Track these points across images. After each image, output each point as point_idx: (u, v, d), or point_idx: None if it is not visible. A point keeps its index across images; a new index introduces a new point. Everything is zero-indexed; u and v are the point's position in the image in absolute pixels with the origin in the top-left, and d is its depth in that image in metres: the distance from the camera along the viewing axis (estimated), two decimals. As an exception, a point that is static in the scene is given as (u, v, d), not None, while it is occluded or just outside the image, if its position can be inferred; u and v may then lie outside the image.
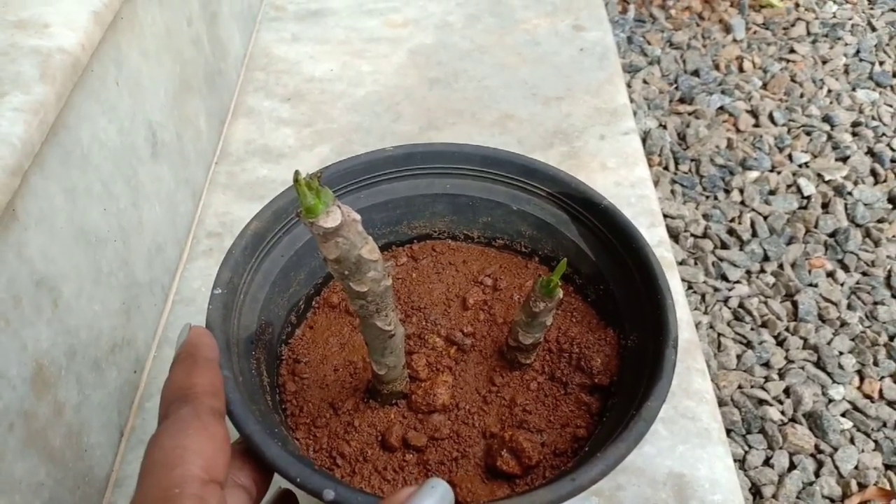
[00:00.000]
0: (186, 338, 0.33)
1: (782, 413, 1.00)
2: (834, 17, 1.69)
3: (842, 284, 1.15)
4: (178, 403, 0.28)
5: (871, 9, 1.71)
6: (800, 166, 1.34)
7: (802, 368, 1.04)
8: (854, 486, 0.91)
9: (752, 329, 1.09)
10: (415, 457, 0.41)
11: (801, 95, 1.49)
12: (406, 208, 0.50)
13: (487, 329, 0.46)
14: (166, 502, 0.24)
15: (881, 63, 1.56)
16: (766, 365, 1.05)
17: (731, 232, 1.23)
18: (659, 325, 0.40)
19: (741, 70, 1.56)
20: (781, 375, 1.04)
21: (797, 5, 1.72)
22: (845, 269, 1.18)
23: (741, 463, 0.95)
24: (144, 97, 0.58)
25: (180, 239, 0.66)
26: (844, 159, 1.35)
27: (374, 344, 0.38)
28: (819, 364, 1.05)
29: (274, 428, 0.37)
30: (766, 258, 1.19)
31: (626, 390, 0.41)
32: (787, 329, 1.10)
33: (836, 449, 0.95)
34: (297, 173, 0.28)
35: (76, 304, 0.47)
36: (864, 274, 1.17)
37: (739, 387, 1.02)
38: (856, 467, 0.94)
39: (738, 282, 1.16)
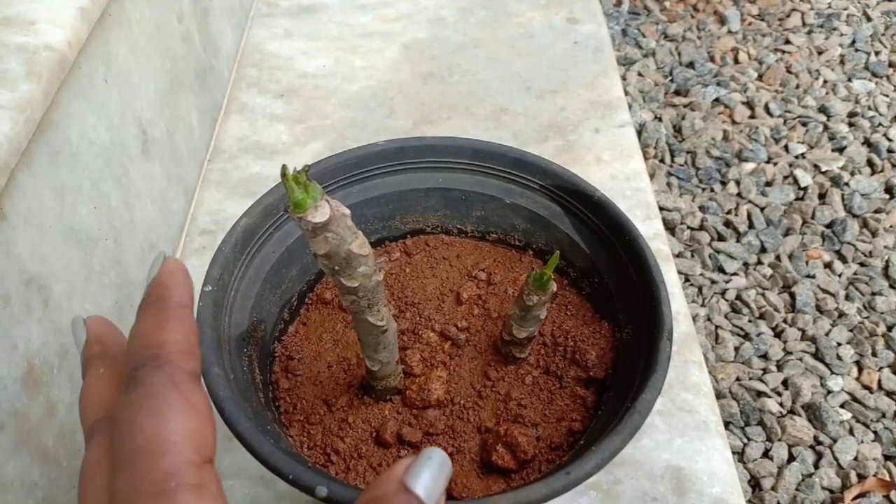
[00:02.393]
0: (157, 274, 0.27)
1: (781, 405, 1.00)
2: (829, 7, 1.68)
3: (839, 275, 1.15)
4: (150, 368, 0.24)
5: (867, -2, 1.71)
6: (796, 157, 1.34)
7: (801, 360, 1.04)
8: (853, 478, 0.91)
9: (749, 321, 1.09)
10: (410, 452, 0.40)
11: (797, 86, 1.49)
12: (399, 203, 0.50)
13: (482, 323, 0.46)
14: (161, 498, 0.21)
15: (877, 53, 1.56)
16: (764, 357, 1.05)
17: (727, 224, 1.23)
18: (653, 318, 0.39)
19: (736, 61, 1.55)
20: (780, 367, 1.04)
21: (792, -4, 1.72)
22: (843, 259, 1.18)
23: (740, 455, 0.95)
24: (134, 94, 0.58)
25: (173, 237, 0.65)
26: (841, 150, 1.35)
27: (366, 340, 0.37)
28: (817, 355, 1.05)
29: (266, 425, 0.37)
30: (763, 250, 1.19)
31: (621, 383, 0.41)
32: (784, 321, 1.09)
33: (835, 440, 0.95)
34: (284, 168, 0.28)
35: (67, 303, 0.46)
36: (862, 264, 1.17)
37: (737, 379, 1.02)
38: (855, 458, 0.94)
39: (735, 274, 1.16)
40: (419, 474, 0.23)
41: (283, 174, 0.28)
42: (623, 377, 0.41)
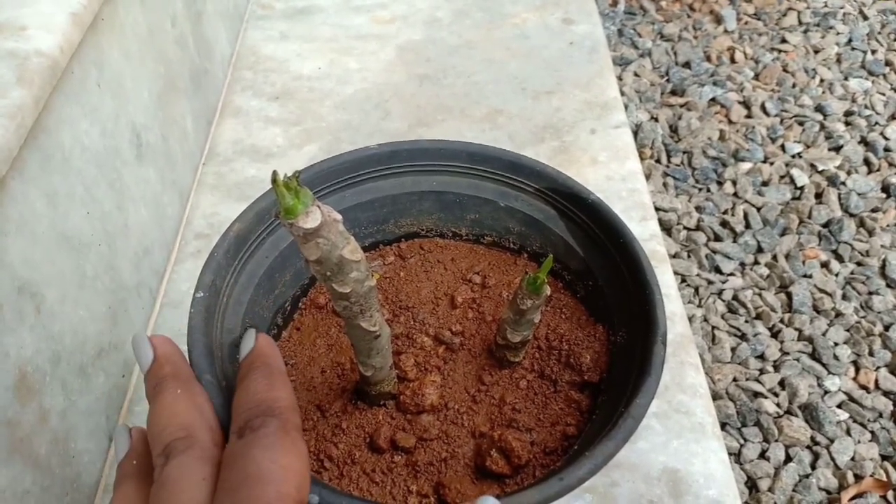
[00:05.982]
0: (255, 346, 0.33)
1: (777, 405, 1.00)
2: (825, 6, 1.68)
3: (836, 275, 1.15)
4: (264, 418, 0.28)
5: (863, -3, 1.71)
6: (793, 157, 1.34)
7: (797, 360, 1.04)
8: (850, 478, 0.91)
9: (746, 321, 1.09)
10: (403, 458, 0.40)
11: (794, 85, 1.49)
12: (392, 206, 0.50)
13: (476, 327, 0.46)
14: None
15: (873, 52, 1.56)
16: (761, 357, 1.05)
17: (724, 224, 1.23)
18: (647, 321, 0.39)
19: (733, 61, 1.55)
20: (776, 367, 1.04)
21: (788, -5, 1.72)
22: (839, 259, 1.18)
23: (737, 456, 0.95)
24: (128, 99, 0.58)
25: (168, 241, 0.65)
26: (837, 149, 1.35)
27: (359, 345, 0.37)
28: (814, 355, 1.05)
29: (259, 432, 0.36)
30: (759, 250, 1.19)
31: (615, 387, 0.40)
32: (781, 321, 1.09)
33: (832, 441, 0.95)
34: (274, 173, 0.28)
35: (60, 309, 0.46)
36: (859, 264, 1.17)
37: (734, 380, 1.02)
38: (852, 459, 0.94)
39: (731, 274, 1.16)
40: None
41: (274, 180, 0.28)
42: (617, 381, 0.41)
